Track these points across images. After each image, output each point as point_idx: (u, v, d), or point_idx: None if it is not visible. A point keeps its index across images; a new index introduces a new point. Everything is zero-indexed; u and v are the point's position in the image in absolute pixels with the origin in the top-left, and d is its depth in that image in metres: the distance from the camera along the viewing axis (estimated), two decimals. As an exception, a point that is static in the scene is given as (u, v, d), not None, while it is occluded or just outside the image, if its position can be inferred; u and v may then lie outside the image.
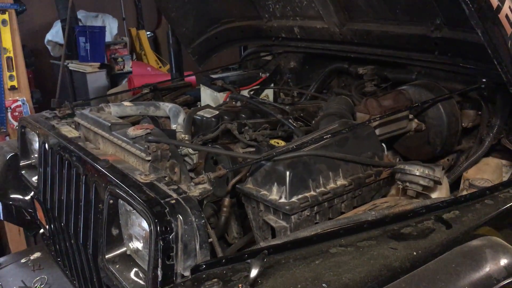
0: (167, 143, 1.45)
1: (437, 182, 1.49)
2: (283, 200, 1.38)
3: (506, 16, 1.32)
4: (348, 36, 2.29)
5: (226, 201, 1.57)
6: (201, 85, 2.83)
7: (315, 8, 2.34)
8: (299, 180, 1.40)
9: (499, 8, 1.30)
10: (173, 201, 1.21)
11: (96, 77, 6.39)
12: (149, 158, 1.41)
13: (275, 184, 1.41)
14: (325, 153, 1.45)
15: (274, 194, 1.40)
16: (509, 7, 1.33)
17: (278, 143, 1.63)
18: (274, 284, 1.14)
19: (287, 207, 1.36)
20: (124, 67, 7.73)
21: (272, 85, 2.79)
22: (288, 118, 1.97)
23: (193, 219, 1.19)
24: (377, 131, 1.71)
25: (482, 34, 1.32)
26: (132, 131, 1.50)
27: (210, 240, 1.25)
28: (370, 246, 1.27)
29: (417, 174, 1.47)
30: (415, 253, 1.24)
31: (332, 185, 1.47)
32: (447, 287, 1.20)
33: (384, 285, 1.16)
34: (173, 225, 1.16)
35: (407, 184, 1.49)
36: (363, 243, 1.28)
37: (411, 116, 1.84)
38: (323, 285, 1.13)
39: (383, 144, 1.78)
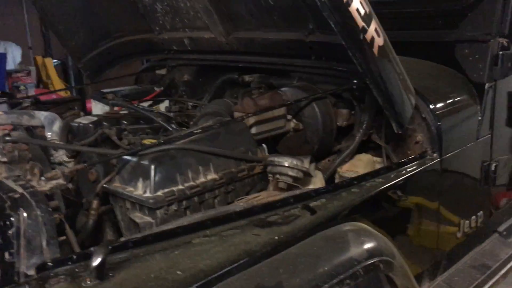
0: (26, 142, 1.35)
1: (306, 173, 1.51)
2: (147, 194, 1.33)
3: (357, 10, 1.40)
4: (234, 46, 2.32)
5: (94, 203, 1.49)
6: (92, 99, 2.74)
7: (201, 18, 2.36)
8: (165, 174, 1.37)
9: (349, 1, 1.37)
10: (17, 196, 1.12)
11: (-6, 105, 6.01)
12: (4, 159, 1.31)
13: (140, 179, 1.36)
14: (193, 147, 1.43)
15: (140, 189, 1.36)
16: (359, 1, 1.41)
17: (151, 142, 1.59)
18: (126, 275, 1.08)
19: (151, 201, 1.31)
20: (27, 95, 7.45)
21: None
22: (170, 123, 1.94)
23: (38, 213, 1.10)
24: (254, 130, 1.72)
25: (334, 26, 1.38)
26: (-12, 133, 1.40)
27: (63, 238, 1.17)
28: (234, 235, 1.25)
29: (286, 165, 1.48)
30: (276, 237, 1.23)
31: (202, 179, 1.44)
32: (307, 269, 1.21)
33: (244, 269, 1.14)
34: (13, 220, 1.07)
35: (278, 176, 1.50)
36: (227, 232, 1.26)
37: (289, 117, 1.88)
38: (178, 272, 1.08)
39: (264, 145, 1.80)
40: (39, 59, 8.82)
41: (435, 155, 1.77)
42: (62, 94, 7.98)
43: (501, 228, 2.27)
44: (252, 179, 1.59)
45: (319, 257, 1.25)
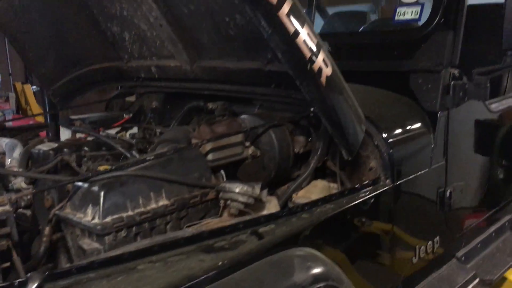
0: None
1: (257, 199, 1.54)
2: (96, 220, 1.34)
3: (304, 41, 1.46)
4: (199, 74, 2.37)
5: (46, 230, 1.49)
6: (60, 126, 2.75)
7: (167, 47, 2.41)
8: (114, 200, 1.38)
9: (296, 33, 1.43)
10: None
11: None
12: None
13: (90, 205, 1.37)
14: (144, 173, 1.45)
15: (89, 216, 1.37)
16: (307, 33, 1.47)
17: (105, 168, 1.61)
18: (65, 301, 1.08)
19: (98, 227, 1.32)
20: (4, 120, 7.46)
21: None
22: (132, 150, 1.96)
23: (-20, 240, 1.11)
24: (210, 156, 1.75)
25: (282, 57, 1.44)
26: None
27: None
28: (179, 260, 1.27)
29: (237, 191, 1.51)
30: (221, 263, 1.25)
31: (153, 205, 1.46)
32: (249, 294, 1.22)
33: (185, 294, 1.15)
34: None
35: (229, 202, 1.53)
36: (173, 258, 1.27)
37: (248, 144, 1.91)
38: (117, 298, 1.09)
39: (222, 171, 1.83)
40: (18, 85, 8.83)
41: (387, 181, 1.82)
42: (41, 119, 7.97)
43: (460, 254, 2.31)
44: (206, 205, 1.61)
45: (262, 282, 1.27)
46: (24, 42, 2.75)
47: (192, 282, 1.17)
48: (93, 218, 1.34)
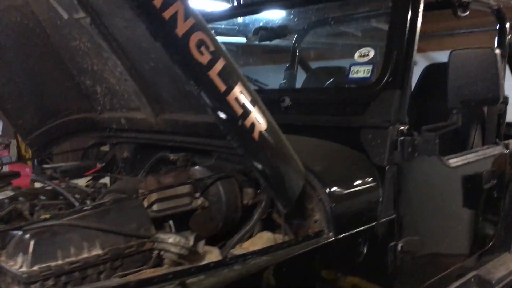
0: None
1: (192, 250, 1.58)
2: (23, 269, 1.38)
3: (236, 98, 1.54)
4: (163, 126, 2.46)
5: (-18, 277, 1.52)
6: (32, 174, 2.82)
7: (134, 100, 2.51)
8: (44, 249, 1.42)
9: (227, 91, 1.52)
10: None
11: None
12: None
13: (20, 253, 1.41)
14: (78, 223, 1.50)
15: (18, 264, 1.41)
16: (240, 91, 1.55)
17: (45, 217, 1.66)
18: None
19: (25, 275, 1.36)
20: (1, 168, 7.51)
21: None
22: (86, 199, 2.01)
23: None
24: (155, 207, 1.80)
25: (212, 112, 1.52)
26: None
27: None
28: (98, 309, 1.30)
29: (169, 241, 1.55)
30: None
31: (85, 255, 1.50)
32: None
33: None
34: None
35: (162, 252, 1.56)
36: (93, 306, 1.30)
37: (197, 195, 1.96)
38: None
39: (170, 222, 1.87)
40: (19, 132, 8.94)
41: (330, 234, 1.85)
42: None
43: (418, 308, 2.29)
44: (143, 255, 1.65)
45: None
46: (3, 93, 2.88)
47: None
48: (21, 266, 1.38)
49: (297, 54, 3.96)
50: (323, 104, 2.44)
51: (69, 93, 2.92)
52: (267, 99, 2.69)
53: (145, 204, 1.81)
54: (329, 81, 2.95)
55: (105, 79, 2.59)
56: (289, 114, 2.54)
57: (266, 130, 1.62)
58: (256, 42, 5.88)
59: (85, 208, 1.57)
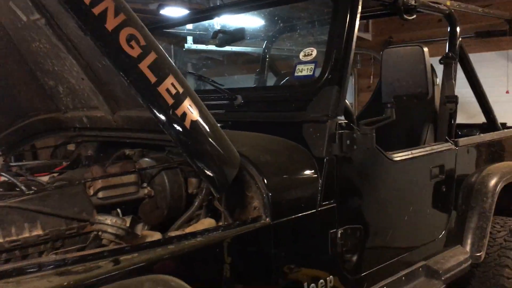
0: None
1: (128, 232, 1.69)
2: (-36, 245, 1.49)
3: (167, 89, 1.67)
4: (120, 123, 2.58)
5: None
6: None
7: (92, 99, 2.63)
8: (-15, 228, 1.53)
9: (158, 82, 1.64)
10: None
11: None
12: None
13: (-37, 232, 1.52)
14: (19, 205, 1.62)
15: None
16: (171, 83, 1.68)
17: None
18: None
19: (-36, 252, 1.47)
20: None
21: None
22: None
23: None
24: (100, 194, 1.92)
25: (142, 102, 1.64)
26: None
27: None
28: (31, 281, 1.40)
29: (106, 222, 1.67)
30: (65, 283, 1.39)
31: (26, 235, 1.61)
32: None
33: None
34: None
35: (100, 233, 1.68)
36: (26, 279, 1.41)
37: (145, 185, 2.08)
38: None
39: (118, 210, 1.98)
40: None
41: (267, 219, 1.97)
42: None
43: (360, 295, 2.40)
44: (84, 237, 1.76)
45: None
46: (-30, 94, 2.99)
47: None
48: (-38, 243, 1.49)
49: (267, 59, 4.12)
50: (272, 101, 2.58)
51: (35, 94, 3.03)
52: (222, 98, 2.85)
53: (91, 192, 1.92)
54: (283, 81, 3.09)
55: (66, 79, 2.71)
56: (241, 112, 2.68)
57: (198, 119, 1.74)
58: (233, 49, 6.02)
59: (27, 192, 1.68)
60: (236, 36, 3.15)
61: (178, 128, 1.70)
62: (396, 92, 2.23)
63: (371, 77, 9.25)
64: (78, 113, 2.87)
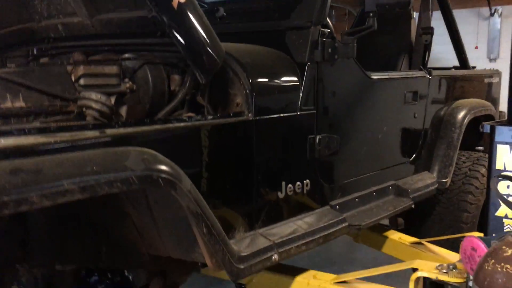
0: None
1: (112, 110, 1.69)
2: None
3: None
4: (99, 28, 2.52)
5: None
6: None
7: (69, 3, 2.56)
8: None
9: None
10: None
11: None
12: None
13: None
14: (2, 75, 1.59)
15: None
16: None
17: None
18: None
19: None
20: None
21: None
22: None
23: None
24: (82, 81, 1.89)
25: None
26: None
27: None
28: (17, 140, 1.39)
29: (91, 97, 1.66)
30: (52, 140, 1.38)
31: (8, 105, 1.59)
32: (75, 165, 1.35)
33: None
34: None
35: (84, 109, 1.67)
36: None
37: (127, 80, 2.06)
38: None
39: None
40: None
41: (250, 115, 2.00)
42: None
43: (334, 202, 2.49)
44: (68, 117, 1.75)
45: (91, 160, 1.40)
46: None
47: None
48: None
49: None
50: (255, 11, 2.58)
51: (6, 2, 2.92)
52: (205, 11, 2.82)
53: (73, 78, 1.90)
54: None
55: (41, -18, 2.62)
56: (224, 24, 2.66)
57: (185, 2, 1.73)
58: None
59: (11, 68, 1.65)
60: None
61: (166, 7, 1.69)
62: (379, 1, 2.27)
63: (345, 32, 9.26)
64: (54, 20, 2.78)
